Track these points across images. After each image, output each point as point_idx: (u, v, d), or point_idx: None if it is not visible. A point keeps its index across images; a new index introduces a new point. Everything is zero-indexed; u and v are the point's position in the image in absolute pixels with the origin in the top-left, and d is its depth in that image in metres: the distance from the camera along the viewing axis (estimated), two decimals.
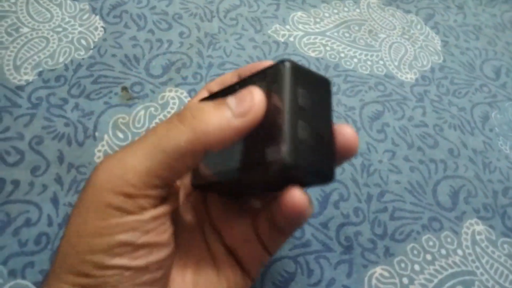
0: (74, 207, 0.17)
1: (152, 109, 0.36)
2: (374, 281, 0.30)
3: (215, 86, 0.24)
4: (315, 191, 0.33)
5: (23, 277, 0.27)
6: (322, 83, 0.19)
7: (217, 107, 0.17)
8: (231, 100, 0.17)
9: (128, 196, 0.16)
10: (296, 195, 0.17)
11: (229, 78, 0.24)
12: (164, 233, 0.18)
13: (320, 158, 0.17)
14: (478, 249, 0.32)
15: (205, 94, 0.24)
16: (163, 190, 0.17)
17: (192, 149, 0.16)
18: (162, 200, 0.18)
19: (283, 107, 0.17)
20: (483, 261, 0.32)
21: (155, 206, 0.17)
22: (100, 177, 0.17)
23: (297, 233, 0.31)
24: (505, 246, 0.33)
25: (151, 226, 0.17)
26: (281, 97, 0.17)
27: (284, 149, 0.16)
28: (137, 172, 0.16)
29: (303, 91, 0.18)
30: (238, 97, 0.17)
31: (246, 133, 0.17)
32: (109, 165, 0.17)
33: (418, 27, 0.48)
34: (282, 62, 0.18)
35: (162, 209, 0.18)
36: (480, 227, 0.34)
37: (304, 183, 0.18)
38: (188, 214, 0.23)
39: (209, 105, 0.17)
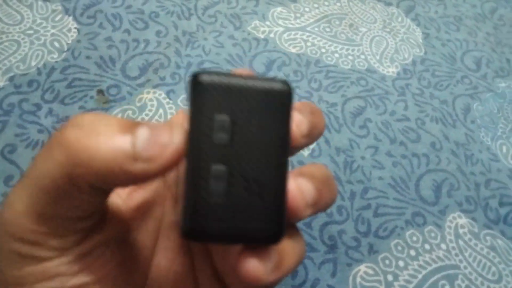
0: None
1: (130, 112, 0.35)
2: (358, 279, 0.30)
3: None
4: None
5: None
6: (268, 96, 0.13)
7: (117, 132, 0.12)
8: (142, 130, 0.12)
9: (32, 242, 0.13)
10: (247, 266, 0.13)
11: None
12: (106, 264, 0.15)
13: (249, 217, 0.13)
14: (461, 242, 0.33)
15: None
16: (81, 223, 0.14)
17: (73, 184, 0.12)
18: (91, 230, 0.14)
19: (187, 147, 0.12)
20: (466, 254, 0.32)
21: (80, 241, 0.14)
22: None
23: None
24: (488, 238, 0.33)
25: (82, 265, 0.14)
26: (188, 133, 0.13)
27: (181, 216, 0.13)
28: (27, 215, 0.13)
29: (225, 117, 0.13)
30: (154, 130, 0.12)
31: (149, 180, 0.13)
32: (2, 210, 0.14)
33: (399, 19, 0.47)
34: (192, 76, 0.13)
35: (93, 241, 0.14)
36: (463, 220, 0.34)
37: (244, 242, 0.14)
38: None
39: (109, 123, 0.12)
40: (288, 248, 0.14)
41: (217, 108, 0.13)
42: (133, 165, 0.12)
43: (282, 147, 0.13)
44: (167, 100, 0.36)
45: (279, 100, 0.13)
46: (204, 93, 0.13)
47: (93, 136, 0.12)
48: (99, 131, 0.12)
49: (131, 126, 0.12)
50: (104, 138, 0.12)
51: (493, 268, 0.32)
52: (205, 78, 0.13)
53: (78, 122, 0.12)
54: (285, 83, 0.13)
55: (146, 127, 0.12)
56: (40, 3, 0.40)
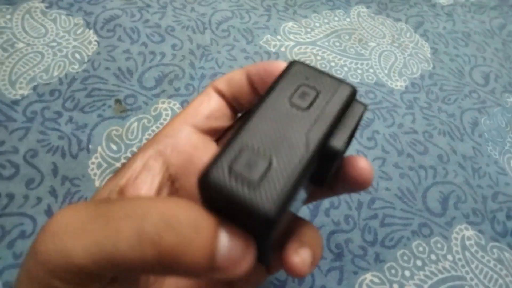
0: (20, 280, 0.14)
1: (145, 120, 0.36)
2: (364, 287, 0.30)
3: (222, 84, 0.22)
4: None
5: None
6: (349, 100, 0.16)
7: (204, 237, 0.12)
8: (223, 237, 0.12)
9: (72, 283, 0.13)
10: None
11: (238, 77, 0.21)
12: None
13: (258, 193, 0.13)
14: (468, 254, 0.33)
15: (211, 94, 0.22)
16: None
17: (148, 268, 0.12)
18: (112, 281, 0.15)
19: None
20: (473, 266, 0.32)
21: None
22: (41, 254, 0.13)
23: None
24: (495, 250, 0.33)
25: None
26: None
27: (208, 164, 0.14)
28: (77, 265, 0.13)
29: (310, 90, 0.16)
30: (232, 241, 0.13)
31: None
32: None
33: (408, 35, 0.48)
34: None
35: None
36: (469, 232, 0.34)
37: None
38: None
39: (198, 224, 0.12)
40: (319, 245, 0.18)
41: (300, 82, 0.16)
42: (211, 273, 0.12)
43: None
44: (181, 109, 0.37)
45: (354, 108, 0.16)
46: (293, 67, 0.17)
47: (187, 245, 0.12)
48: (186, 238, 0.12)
49: (211, 228, 0.12)
50: (192, 243, 0.12)
51: (500, 281, 0.32)
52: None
53: (166, 215, 0.12)
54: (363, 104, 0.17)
55: (225, 235, 0.13)
56: (63, 17, 0.42)
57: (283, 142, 0.14)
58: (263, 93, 0.16)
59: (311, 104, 0.15)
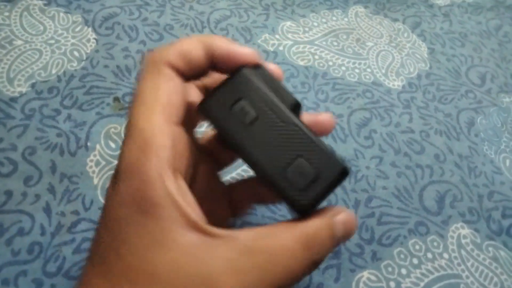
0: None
1: None
2: (361, 285, 0.30)
3: (177, 60, 0.19)
4: None
5: (16, 286, 0.27)
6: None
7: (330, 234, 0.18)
8: (339, 222, 0.19)
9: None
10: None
11: (196, 53, 0.19)
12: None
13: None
14: (463, 253, 0.33)
15: (169, 76, 0.19)
16: None
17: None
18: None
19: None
20: (469, 264, 0.33)
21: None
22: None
23: None
24: (490, 249, 0.34)
25: None
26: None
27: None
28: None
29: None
30: (344, 220, 0.19)
31: None
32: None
33: (405, 35, 0.49)
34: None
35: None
36: (465, 230, 0.34)
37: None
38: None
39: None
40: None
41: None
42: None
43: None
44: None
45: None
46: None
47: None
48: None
49: (329, 220, 0.19)
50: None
51: (495, 279, 0.32)
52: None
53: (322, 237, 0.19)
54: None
55: (340, 219, 0.19)
56: (62, 14, 0.42)
57: None
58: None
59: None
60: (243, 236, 0.17)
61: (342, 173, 0.18)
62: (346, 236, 0.19)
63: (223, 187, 0.26)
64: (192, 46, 0.19)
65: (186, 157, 0.19)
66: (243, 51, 0.20)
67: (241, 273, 0.16)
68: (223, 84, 0.19)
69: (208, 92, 0.20)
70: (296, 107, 0.20)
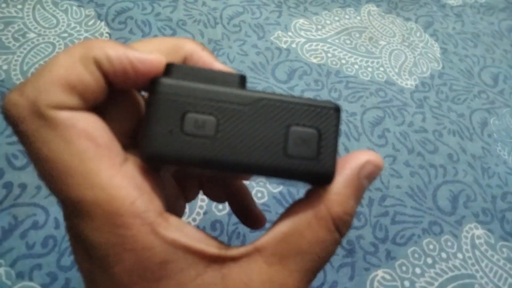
0: None
1: None
2: (376, 284, 0.30)
3: (64, 97, 0.14)
4: None
5: (31, 279, 0.27)
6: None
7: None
8: (364, 177, 0.16)
9: None
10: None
11: (88, 77, 0.14)
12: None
13: None
14: (477, 253, 0.33)
15: (55, 117, 0.13)
16: None
17: None
18: None
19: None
20: (483, 264, 0.32)
21: None
22: None
23: None
24: (504, 250, 0.34)
25: None
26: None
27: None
28: None
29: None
30: (370, 172, 0.16)
31: None
32: None
33: (418, 34, 0.49)
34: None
35: None
36: (479, 231, 0.34)
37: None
38: None
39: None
40: None
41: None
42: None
43: None
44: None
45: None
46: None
47: None
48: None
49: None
50: None
51: (510, 280, 0.32)
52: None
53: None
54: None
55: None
56: (74, 8, 0.42)
57: None
58: None
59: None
60: (266, 244, 0.15)
61: (338, 113, 0.16)
62: (373, 179, 0.17)
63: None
64: (77, 71, 0.14)
65: (154, 184, 0.15)
66: (145, 60, 0.15)
67: (279, 284, 0.15)
68: (150, 111, 0.14)
69: (140, 134, 0.15)
70: (243, 81, 0.16)
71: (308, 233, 0.15)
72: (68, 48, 0.14)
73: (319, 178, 0.15)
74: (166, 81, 0.14)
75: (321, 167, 0.15)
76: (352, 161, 0.16)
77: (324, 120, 0.15)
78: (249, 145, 0.15)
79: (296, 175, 0.15)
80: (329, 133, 0.15)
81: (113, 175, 0.14)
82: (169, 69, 0.15)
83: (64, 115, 0.13)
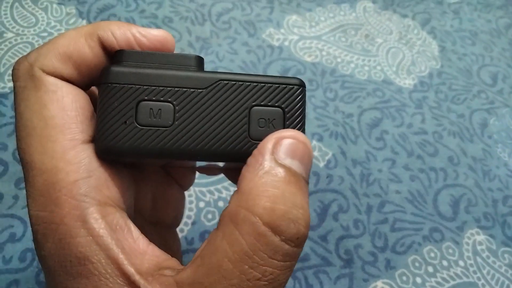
0: None
1: None
2: None
3: (60, 65, 0.15)
4: (313, 203, 0.32)
5: None
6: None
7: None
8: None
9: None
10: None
11: (86, 51, 0.15)
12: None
13: None
14: (479, 260, 0.32)
15: (46, 81, 0.14)
16: None
17: None
18: None
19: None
20: (484, 272, 0.31)
21: None
22: None
23: None
24: (506, 256, 0.32)
25: None
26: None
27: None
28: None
29: None
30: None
31: None
32: None
33: (415, 31, 0.47)
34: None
35: None
36: (481, 237, 0.33)
37: None
38: None
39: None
40: None
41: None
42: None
43: None
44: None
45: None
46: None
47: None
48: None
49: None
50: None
51: None
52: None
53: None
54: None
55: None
56: (55, 6, 0.40)
57: None
58: None
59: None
60: (184, 275, 0.13)
61: (302, 89, 0.15)
62: (303, 158, 0.14)
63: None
64: (78, 43, 0.15)
65: (115, 175, 0.15)
66: (147, 34, 0.15)
67: None
68: (102, 102, 0.14)
69: (97, 128, 0.14)
70: (200, 62, 0.16)
71: (225, 245, 0.12)
72: (79, 26, 0.16)
73: None
74: (116, 69, 0.14)
75: None
76: (259, 148, 0.14)
77: (288, 97, 0.15)
78: (210, 131, 0.14)
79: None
80: (294, 111, 0.15)
81: (69, 149, 0.13)
82: (119, 55, 0.15)
83: (50, 80, 0.14)
